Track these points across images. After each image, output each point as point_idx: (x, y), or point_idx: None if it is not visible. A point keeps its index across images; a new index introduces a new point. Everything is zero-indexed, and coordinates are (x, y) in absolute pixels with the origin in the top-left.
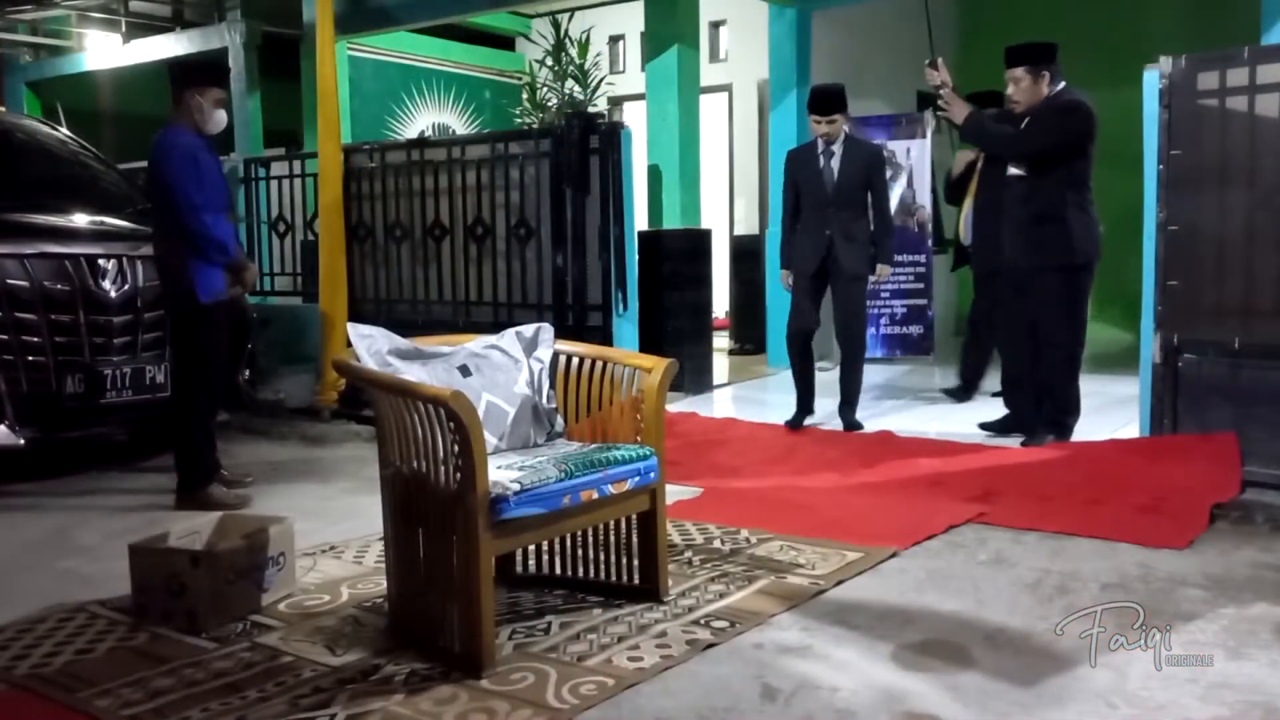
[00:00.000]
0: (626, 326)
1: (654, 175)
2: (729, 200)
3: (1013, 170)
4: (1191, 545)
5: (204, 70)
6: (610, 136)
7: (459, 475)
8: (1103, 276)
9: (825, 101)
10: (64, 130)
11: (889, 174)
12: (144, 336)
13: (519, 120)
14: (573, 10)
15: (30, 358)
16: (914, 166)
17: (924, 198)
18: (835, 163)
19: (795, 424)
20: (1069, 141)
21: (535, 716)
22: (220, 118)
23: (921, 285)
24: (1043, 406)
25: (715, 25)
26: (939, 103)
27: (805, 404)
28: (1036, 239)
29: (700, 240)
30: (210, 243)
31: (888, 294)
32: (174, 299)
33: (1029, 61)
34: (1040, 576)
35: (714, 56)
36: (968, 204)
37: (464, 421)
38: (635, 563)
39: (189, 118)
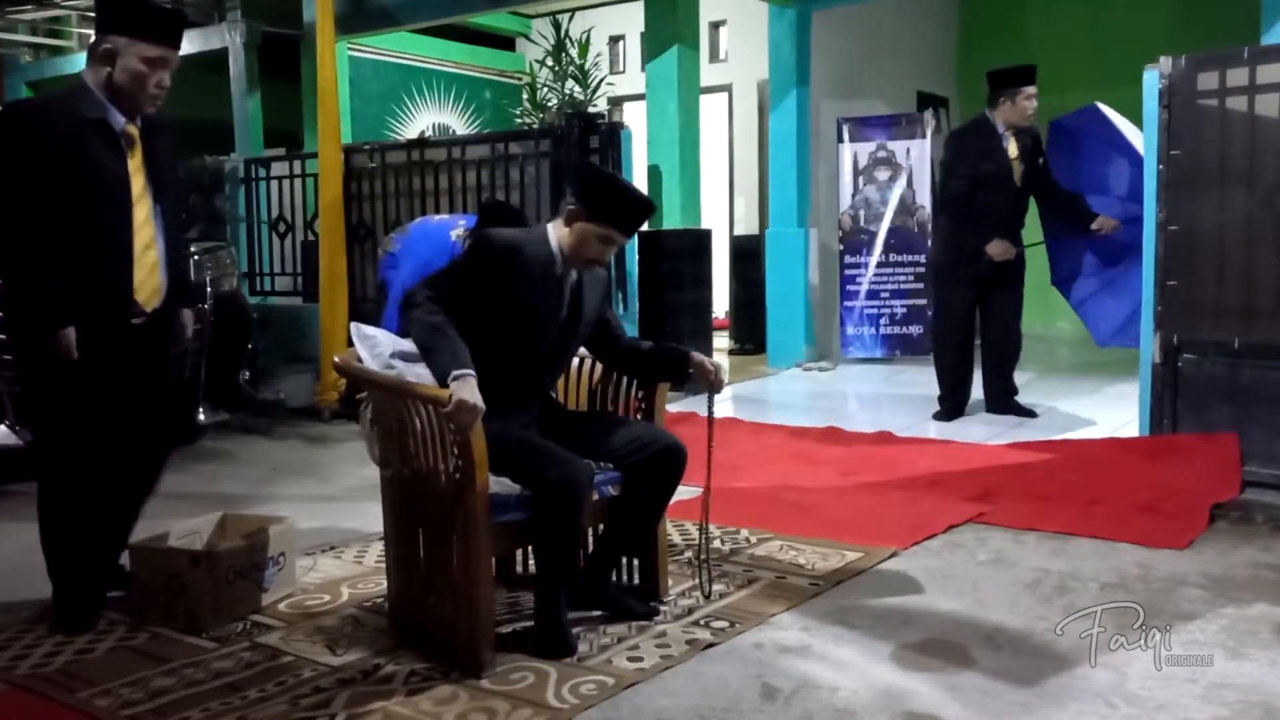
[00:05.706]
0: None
1: (654, 175)
2: (729, 200)
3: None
4: (1191, 545)
5: None
6: (610, 137)
7: (459, 475)
8: None
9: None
10: None
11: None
12: None
13: (519, 120)
14: (573, 10)
15: None
16: (914, 166)
17: (924, 198)
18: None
19: None
20: None
21: (535, 716)
22: None
23: (921, 285)
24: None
25: (715, 25)
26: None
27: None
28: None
29: (700, 240)
30: None
31: (888, 294)
32: None
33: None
34: (1040, 576)
35: (714, 56)
36: None
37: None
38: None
39: None
